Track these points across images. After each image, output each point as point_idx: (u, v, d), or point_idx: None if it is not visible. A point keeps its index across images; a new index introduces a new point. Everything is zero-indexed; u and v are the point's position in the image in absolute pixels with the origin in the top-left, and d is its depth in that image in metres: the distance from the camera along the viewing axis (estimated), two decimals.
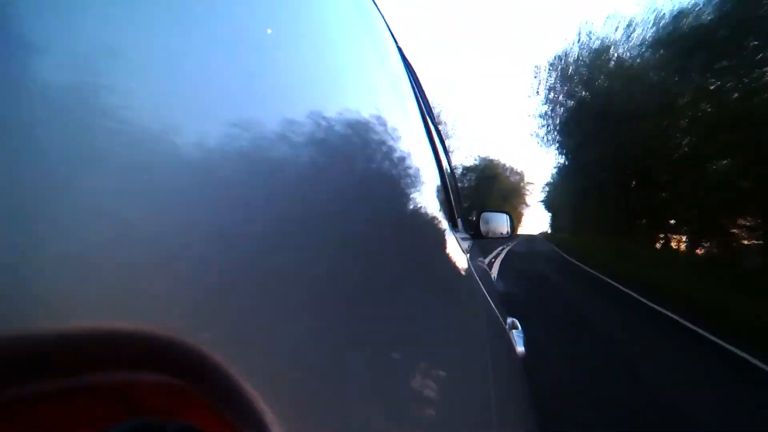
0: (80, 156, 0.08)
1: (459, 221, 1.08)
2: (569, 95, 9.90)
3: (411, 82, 0.79)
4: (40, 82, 0.08)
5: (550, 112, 10.77)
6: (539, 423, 0.78)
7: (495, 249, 10.54)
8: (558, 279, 6.96)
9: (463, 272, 0.57)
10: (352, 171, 0.24)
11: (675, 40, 7.37)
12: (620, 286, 6.19)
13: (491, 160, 34.59)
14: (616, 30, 9.53)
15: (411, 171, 0.45)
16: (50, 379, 0.07)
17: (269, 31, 0.18)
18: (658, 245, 9.80)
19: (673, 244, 9.63)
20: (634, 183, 9.64)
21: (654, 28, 8.93)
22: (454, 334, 0.35)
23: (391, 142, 0.39)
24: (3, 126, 0.07)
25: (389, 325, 0.22)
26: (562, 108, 10.36)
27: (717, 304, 4.82)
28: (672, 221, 9.14)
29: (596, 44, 9.80)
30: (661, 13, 8.77)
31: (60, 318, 0.07)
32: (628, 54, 9.33)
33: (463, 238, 0.87)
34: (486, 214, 1.40)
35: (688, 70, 7.08)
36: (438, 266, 0.41)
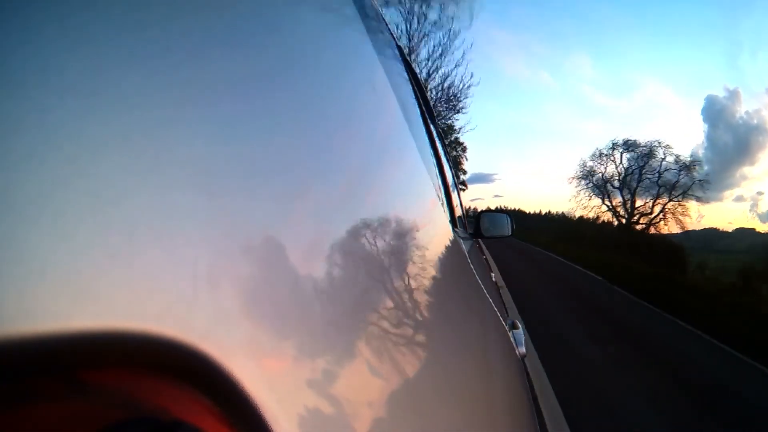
0: (81, 156, 0.08)
1: (459, 221, 1.08)
2: None
3: (412, 83, 0.79)
4: (39, 82, 0.08)
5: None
6: (539, 423, 0.78)
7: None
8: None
9: (462, 272, 0.57)
10: (352, 171, 0.24)
11: None
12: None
13: None
14: None
15: (411, 170, 0.45)
16: (50, 379, 0.07)
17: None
18: None
19: None
20: None
21: None
22: (454, 333, 0.35)
23: (391, 142, 0.39)
24: (3, 126, 0.07)
25: (389, 326, 0.22)
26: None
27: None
28: None
29: None
30: None
31: (60, 318, 0.07)
32: None
33: (463, 238, 0.87)
34: (486, 214, 1.39)
35: None
36: (437, 266, 0.42)
